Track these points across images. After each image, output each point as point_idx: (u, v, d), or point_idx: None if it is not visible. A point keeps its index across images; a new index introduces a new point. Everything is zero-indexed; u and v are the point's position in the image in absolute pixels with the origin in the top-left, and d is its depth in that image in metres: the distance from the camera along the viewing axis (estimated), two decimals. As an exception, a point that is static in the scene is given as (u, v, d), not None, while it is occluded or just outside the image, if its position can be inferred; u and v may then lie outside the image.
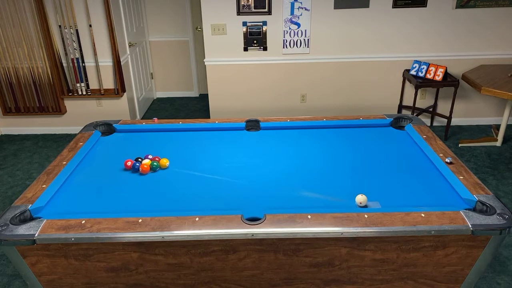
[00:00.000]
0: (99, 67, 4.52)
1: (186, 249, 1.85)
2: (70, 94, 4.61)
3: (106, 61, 4.50)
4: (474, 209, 1.87)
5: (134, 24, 5.02)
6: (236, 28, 4.34)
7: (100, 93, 4.61)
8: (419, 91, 4.57)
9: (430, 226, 1.76)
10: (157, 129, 2.79)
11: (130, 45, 4.87)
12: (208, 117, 5.09)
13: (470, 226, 1.74)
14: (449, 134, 4.55)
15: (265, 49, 4.43)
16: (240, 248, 1.85)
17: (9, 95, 4.59)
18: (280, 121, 2.80)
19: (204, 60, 4.53)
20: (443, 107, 4.69)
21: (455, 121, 4.76)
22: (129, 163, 2.31)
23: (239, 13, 4.26)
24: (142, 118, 5.27)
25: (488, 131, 4.63)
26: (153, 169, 2.30)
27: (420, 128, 2.66)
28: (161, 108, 5.62)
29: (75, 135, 4.82)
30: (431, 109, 4.66)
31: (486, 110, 4.72)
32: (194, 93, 6.04)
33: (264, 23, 4.31)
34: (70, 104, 4.73)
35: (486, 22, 4.29)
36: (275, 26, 4.33)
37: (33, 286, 1.97)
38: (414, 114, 4.40)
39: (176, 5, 5.45)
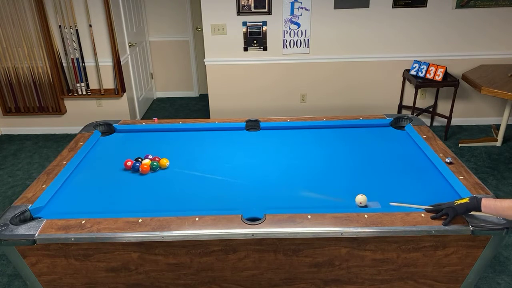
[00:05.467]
0: (99, 67, 4.52)
1: (186, 249, 1.85)
2: (70, 94, 4.61)
3: (106, 61, 4.50)
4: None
5: (134, 24, 5.02)
6: (236, 28, 4.34)
7: (100, 93, 4.61)
8: (419, 91, 4.57)
9: (430, 226, 1.76)
10: (157, 129, 2.79)
11: (130, 45, 4.87)
12: (208, 117, 5.09)
13: (470, 226, 1.74)
14: (449, 134, 4.55)
15: (265, 49, 4.43)
16: (240, 248, 1.85)
17: (9, 95, 4.59)
18: (280, 121, 2.80)
19: (204, 60, 4.53)
20: (443, 107, 4.69)
21: (455, 121, 4.76)
22: (129, 163, 2.31)
23: (239, 13, 4.26)
24: (142, 118, 5.27)
25: (488, 131, 4.63)
26: (153, 169, 2.30)
27: (420, 128, 2.66)
28: (161, 108, 5.62)
29: (75, 135, 4.82)
30: (431, 109, 4.66)
31: (486, 110, 4.72)
32: (194, 93, 6.03)
33: (264, 23, 4.31)
34: (70, 104, 4.73)
35: (486, 22, 4.29)
36: (275, 26, 4.33)
37: (33, 286, 1.97)
38: (414, 114, 4.40)
39: (176, 5, 5.44)
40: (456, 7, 4.22)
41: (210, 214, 1.86)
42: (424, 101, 4.69)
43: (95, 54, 4.46)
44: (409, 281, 1.96)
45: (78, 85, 4.57)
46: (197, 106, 5.64)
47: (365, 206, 1.93)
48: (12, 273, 2.81)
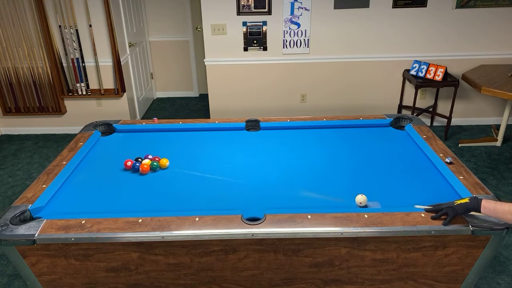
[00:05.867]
0: (99, 67, 4.52)
1: (186, 249, 1.85)
2: (70, 94, 4.61)
3: (106, 61, 4.50)
4: (474, 209, 1.87)
5: (134, 24, 5.02)
6: (236, 28, 4.34)
7: (100, 93, 4.61)
8: (419, 91, 4.57)
9: (430, 226, 1.76)
10: (157, 129, 2.79)
11: (130, 45, 4.87)
12: (208, 117, 5.09)
13: (470, 226, 1.74)
14: (449, 134, 4.55)
15: (265, 49, 4.43)
16: (240, 248, 1.85)
17: (9, 95, 4.59)
18: (280, 121, 2.80)
19: (204, 60, 4.53)
20: (443, 107, 4.69)
21: (455, 121, 4.76)
22: (129, 163, 2.31)
23: (239, 13, 4.26)
24: (142, 118, 5.27)
25: (488, 131, 4.63)
26: (153, 169, 2.30)
27: (420, 128, 2.66)
28: (161, 108, 5.62)
29: (75, 135, 4.82)
30: (431, 109, 4.66)
31: (486, 110, 4.72)
32: (194, 93, 6.04)
33: (264, 23, 4.31)
34: (70, 104, 4.73)
35: (486, 22, 4.29)
36: (275, 26, 4.33)
37: (33, 286, 1.97)
38: (414, 114, 4.40)
39: (176, 5, 5.45)
40: (456, 7, 4.22)
41: (210, 214, 1.86)
42: (424, 101, 4.69)
43: (95, 54, 4.46)
44: (409, 281, 1.96)
45: (78, 85, 4.57)
46: (197, 106, 5.64)
47: (365, 206, 1.93)
48: (12, 273, 2.81)
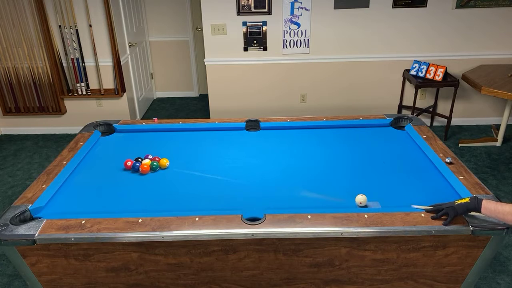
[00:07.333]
0: (99, 67, 4.52)
1: (186, 249, 1.85)
2: (70, 94, 4.61)
3: (106, 61, 4.50)
4: (474, 209, 1.87)
5: (134, 24, 5.02)
6: (236, 28, 4.34)
7: (100, 93, 4.61)
8: (419, 91, 4.57)
9: (430, 226, 1.76)
10: (157, 129, 2.79)
11: (130, 45, 4.87)
12: (208, 117, 5.09)
13: (470, 226, 1.74)
14: (449, 134, 4.55)
15: (265, 49, 4.43)
16: (240, 248, 1.85)
17: (9, 95, 4.59)
18: (280, 121, 2.80)
19: (204, 60, 4.53)
20: (443, 107, 4.69)
21: (455, 121, 4.76)
22: (129, 163, 2.31)
23: (239, 13, 4.26)
24: (142, 118, 5.27)
25: (488, 131, 4.63)
26: (153, 169, 2.30)
27: (420, 128, 2.66)
28: (161, 108, 5.62)
29: (75, 135, 4.82)
30: (431, 109, 4.66)
31: (486, 110, 4.72)
32: (194, 93, 6.04)
33: (264, 23, 4.31)
34: (70, 104, 4.73)
35: (486, 22, 4.29)
36: (275, 26, 4.33)
37: (33, 286, 1.97)
38: (414, 114, 4.40)
39: (176, 5, 5.45)
40: (456, 7, 4.22)
41: (210, 214, 1.86)
42: (424, 101, 4.69)
43: (95, 54, 4.46)
44: (409, 281, 1.96)
45: (78, 85, 4.57)
46: (197, 106, 5.64)
47: (365, 206, 1.93)
48: (12, 273, 2.81)
